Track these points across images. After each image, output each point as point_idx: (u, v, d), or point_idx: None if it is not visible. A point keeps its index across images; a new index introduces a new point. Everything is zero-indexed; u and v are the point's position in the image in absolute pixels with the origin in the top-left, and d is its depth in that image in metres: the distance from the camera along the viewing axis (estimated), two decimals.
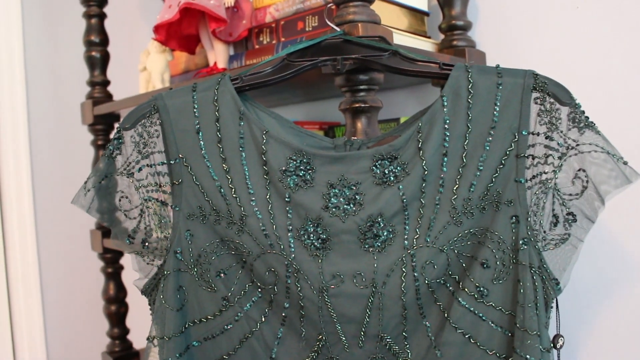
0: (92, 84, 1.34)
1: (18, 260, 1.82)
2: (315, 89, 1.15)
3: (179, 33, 1.12)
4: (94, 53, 1.33)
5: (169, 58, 1.22)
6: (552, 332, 0.67)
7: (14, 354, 1.84)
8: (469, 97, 0.66)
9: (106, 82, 1.35)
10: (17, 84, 1.79)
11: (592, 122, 0.64)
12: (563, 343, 0.68)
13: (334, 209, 0.68)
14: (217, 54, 1.11)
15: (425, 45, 0.97)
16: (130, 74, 1.53)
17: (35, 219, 1.84)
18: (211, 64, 1.13)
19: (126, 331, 1.40)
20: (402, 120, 1.03)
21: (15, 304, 1.82)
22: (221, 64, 1.10)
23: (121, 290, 1.39)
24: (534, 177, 0.66)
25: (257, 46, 1.07)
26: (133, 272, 0.74)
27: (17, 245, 1.82)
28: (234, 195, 0.69)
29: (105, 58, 1.34)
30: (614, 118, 0.88)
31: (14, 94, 1.78)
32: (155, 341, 0.71)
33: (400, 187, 0.67)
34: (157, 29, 1.10)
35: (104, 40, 1.34)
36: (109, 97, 1.35)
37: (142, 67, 1.27)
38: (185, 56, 1.27)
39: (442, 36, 1.00)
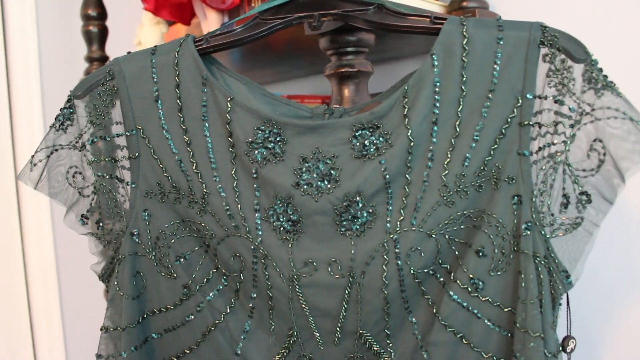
0: (90, 59, 1.28)
1: (34, 251, 1.82)
2: (318, 60, 1.06)
3: (170, 1, 1.04)
4: (91, 28, 1.26)
5: (163, 30, 1.15)
6: (561, 333, 0.57)
7: (33, 344, 1.83)
8: (464, 54, 0.56)
9: (105, 58, 1.29)
10: (31, 64, 1.76)
11: (611, 82, 0.53)
12: (575, 346, 0.58)
13: (305, 186, 0.59)
14: (210, 24, 1.02)
15: (432, 7, 0.87)
16: (130, 49, 1.47)
17: (51, 204, 1.82)
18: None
19: None
20: None
21: (33, 295, 1.82)
22: None
23: None
24: (540, 149, 0.55)
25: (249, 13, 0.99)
26: None
27: (34, 233, 1.81)
28: (196, 171, 0.61)
29: (103, 33, 1.28)
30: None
31: (28, 70, 1.76)
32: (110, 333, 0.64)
33: (382, 161, 0.57)
34: None
35: (102, 14, 1.27)
36: None
37: (137, 41, 1.20)
38: (184, 28, 1.20)
39: None
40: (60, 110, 0.64)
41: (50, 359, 1.83)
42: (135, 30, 1.36)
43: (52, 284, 1.86)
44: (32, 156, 0.64)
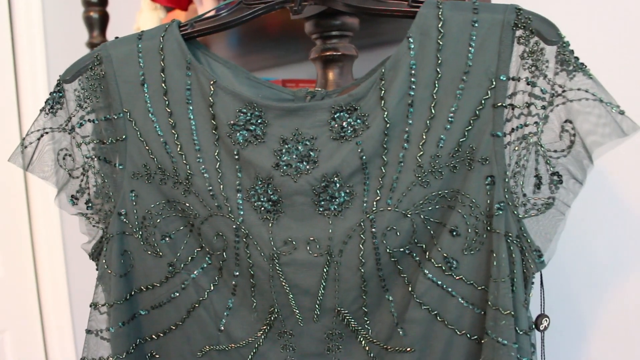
0: (91, 45, 1.30)
1: (44, 245, 1.84)
2: (313, 45, 1.07)
3: None
4: (92, 13, 1.28)
5: (161, 16, 1.17)
6: (535, 312, 0.58)
7: (44, 334, 1.87)
8: (439, 37, 0.57)
9: None
10: (37, 49, 1.78)
11: (582, 64, 0.54)
12: (548, 324, 0.59)
13: (285, 167, 0.60)
14: (206, 9, 1.04)
15: None
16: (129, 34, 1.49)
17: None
18: None
19: None
20: None
21: (43, 286, 1.85)
22: None
23: None
24: (513, 130, 0.56)
25: None
26: None
27: (42, 227, 1.83)
28: (180, 153, 0.63)
29: (104, 18, 1.29)
30: None
31: (34, 58, 1.78)
32: (103, 309, 0.66)
33: (359, 142, 0.58)
34: None
35: (103, 0, 1.29)
36: None
37: (136, 27, 1.22)
38: (182, 15, 1.21)
39: None
40: (49, 94, 0.66)
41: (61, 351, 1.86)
42: (133, 16, 1.37)
43: (61, 278, 1.88)
44: (23, 139, 0.66)
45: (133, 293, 0.65)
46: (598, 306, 0.82)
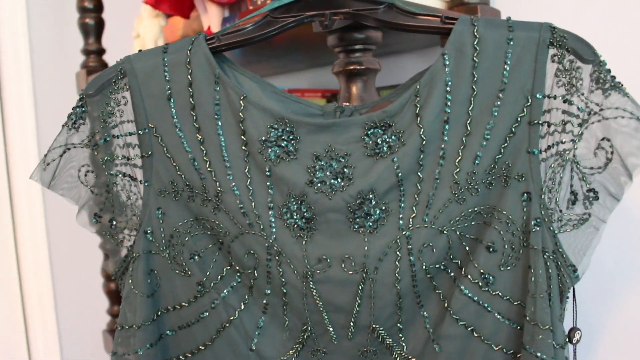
0: (86, 52, 1.27)
1: (27, 238, 1.80)
2: (317, 54, 1.06)
3: None
4: (87, 20, 1.25)
5: (162, 23, 1.15)
6: (567, 325, 0.59)
7: (26, 331, 1.83)
8: (475, 54, 0.57)
9: (101, 51, 1.28)
10: (22, 53, 1.73)
11: (619, 83, 0.55)
12: (580, 337, 0.60)
13: (319, 184, 0.60)
14: (211, 18, 1.02)
15: (434, 2, 0.87)
16: (127, 41, 1.46)
17: (43, 193, 1.81)
18: (205, 28, 1.05)
19: None
20: None
21: (26, 282, 1.81)
22: (215, 28, 1.02)
23: None
24: (549, 147, 0.56)
25: (251, 7, 0.98)
26: None
27: (26, 221, 1.79)
28: (209, 169, 0.62)
29: (99, 25, 1.27)
30: None
31: (19, 62, 1.73)
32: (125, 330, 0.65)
33: (395, 159, 0.58)
34: None
35: (98, 6, 1.26)
36: (104, 66, 1.28)
37: (135, 34, 1.20)
38: (182, 22, 1.19)
39: None
40: (72, 109, 0.64)
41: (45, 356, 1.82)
42: (131, 23, 1.35)
43: (46, 280, 1.84)
44: (45, 155, 0.64)
45: (160, 313, 0.64)
46: (606, 316, 0.83)
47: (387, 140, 0.59)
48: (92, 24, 1.26)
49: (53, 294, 1.87)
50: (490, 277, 0.57)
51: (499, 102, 0.57)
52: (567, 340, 0.58)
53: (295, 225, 0.60)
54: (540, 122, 0.56)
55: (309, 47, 1.00)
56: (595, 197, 0.56)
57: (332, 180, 0.60)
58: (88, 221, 0.65)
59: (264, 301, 0.62)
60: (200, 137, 0.62)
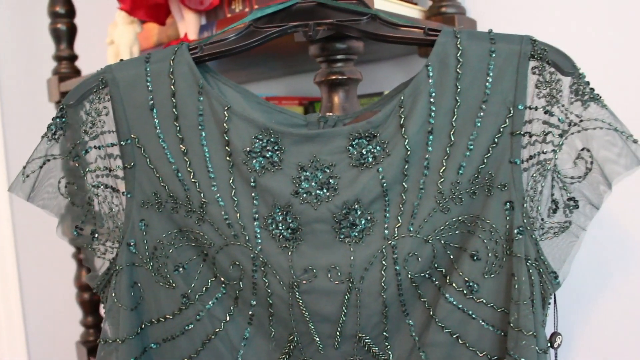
0: (58, 58, 1.25)
1: None
2: (294, 62, 1.06)
3: (146, 1, 1.03)
4: (59, 25, 1.23)
5: (137, 30, 1.13)
6: (548, 330, 0.60)
7: None
8: (458, 66, 0.58)
9: (73, 57, 1.26)
10: None
11: (597, 95, 0.56)
12: (561, 342, 0.61)
13: (305, 195, 0.60)
14: (188, 25, 1.02)
15: (411, 11, 0.89)
16: (100, 47, 1.44)
17: (10, 200, 1.77)
18: (181, 35, 1.04)
19: (101, 319, 1.33)
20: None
21: None
22: (192, 35, 1.01)
23: None
24: (531, 157, 0.58)
25: (229, 15, 0.98)
26: None
27: None
28: (193, 180, 0.61)
29: (72, 31, 1.25)
30: (621, 94, 0.79)
31: None
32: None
33: (380, 169, 0.59)
34: None
35: (70, 12, 1.24)
36: (76, 72, 1.26)
37: (109, 40, 1.18)
38: (157, 28, 1.18)
39: (429, 3, 0.91)
40: (52, 119, 0.63)
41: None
42: (104, 28, 1.33)
43: (14, 290, 1.80)
44: (24, 167, 0.62)
45: (143, 326, 0.63)
46: (582, 319, 0.85)
47: (372, 150, 0.59)
48: (64, 30, 1.24)
49: (21, 304, 1.83)
50: (475, 285, 0.58)
51: (482, 113, 0.58)
52: (549, 345, 0.60)
53: (281, 236, 0.60)
54: (522, 132, 0.57)
55: (285, 54, 1.00)
56: (576, 206, 0.58)
57: (318, 191, 0.60)
58: (69, 233, 0.64)
59: (250, 312, 0.62)
60: (183, 147, 0.62)
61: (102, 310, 1.29)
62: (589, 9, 0.83)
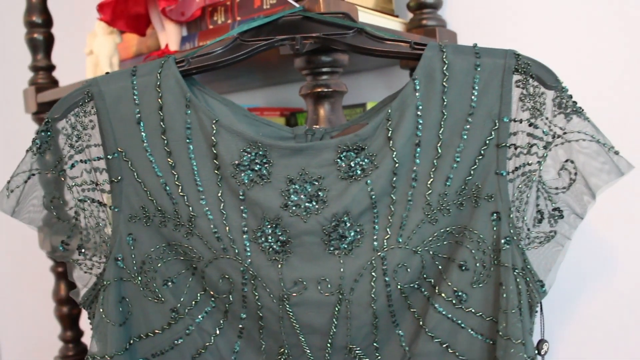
0: (35, 68, 1.23)
1: None
2: (275, 73, 1.07)
3: (127, 12, 1.02)
4: (36, 35, 1.21)
5: (117, 40, 1.12)
6: (535, 337, 0.61)
7: None
8: (444, 80, 0.59)
9: (51, 67, 1.24)
10: None
11: (580, 108, 0.58)
12: (548, 349, 0.62)
13: (294, 207, 0.60)
14: (169, 35, 1.01)
15: (392, 24, 0.90)
16: (77, 58, 1.42)
17: None
18: (162, 46, 1.03)
19: (80, 333, 1.31)
20: (369, 105, 0.96)
21: None
22: (173, 46, 1.01)
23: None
24: (516, 168, 0.59)
25: (211, 26, 0.98)
26: None
27: None
28: (181, 194, 0.61)
29: (49, 40, 1.23)
30: (601, 106, 0.81)
31: None
32: None
33: (369, 181, 0.59)
34: (101, 7, 1.00)
35: (48, 21, 1.22)
36: (54, 83, 1.24)
37: (88, 51, 1.17)
38: (136, 38, 1.17)
39: (410, 15, 0.93)
40: (36, 133, 0.62)
41: None
42: (82, 38, 1.31)
43: None
44: (8, 182, 0.61)
45: (132, 342, 0.62)
46: (566, 326, 0.87)
47: (361, 163, 0.60)
48: (41, 39, 1.22)
49: None
50: (463, 295, 0.59)
51: (468, 126, 0.59)
52: (537, 352, 0.61)
53: (270, 249, 0.60)
54: (507, 144, 0.58)
55: (267, 66, 1.00)
56: (561, 216, 0.59)
57: (307, 204, 0.60)
58: (55, 248, 0.63)
59: (240, 325, 0.62)
60: (171, 161, 0.62)
61: (82, 325, 1.27)
62: (567, 21, 0.85)
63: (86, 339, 1.31)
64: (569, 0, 0.84)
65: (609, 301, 0.84)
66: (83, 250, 0.63)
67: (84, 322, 1.32)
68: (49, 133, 0.62)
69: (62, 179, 0.62)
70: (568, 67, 0.84)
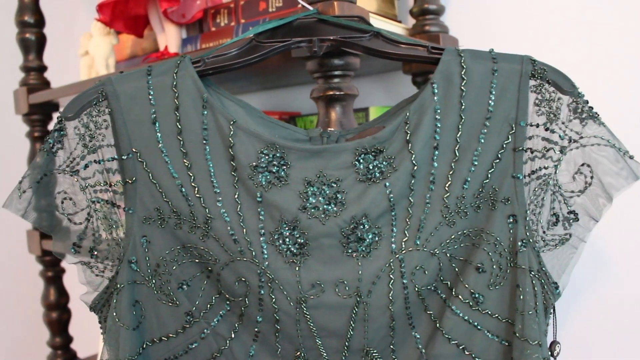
0: (26, 69, 1.21)
1: None
2: (274, 76, 1.06)
3: (126, 13, 1.01)
4: (28, 35, 1.19)
5: (114, 41, 1.11)
6: (547, 339, 0.62)
7: None
8: (462, 84, 0.60)
9: (42, 68, 1.22)
10: None
11: (595, 113, 0.59)
12: (560, 350, 0.63)
13: (312, 210, 0.60)
14: (169, 37, 1.00)
15: (396, 29, 0.90)
16: (70, 58, 1.40)
17: None
18: (161, 48, 1.02)
19: (69, 340, 1.28)
20: (371, 110, 0.96)
21: None
22: (173, 49, 1.00)
23: (63, 296, 1.27)
24: (532, 172, 0.60)
25: (213, 28, 0.98)
26: (76, 275, 0.63)
27: None
28: (197, 195, 0.60)
29: (41, 41, 1.21)
30: (601, 107, 0.83)
31: None
32: None
33: (387, 184, 0.60)
34: (101, 8, 0.99)
35: (40, 21, 1.21)
36: (45, 84, 1.22)
37: (83, 52, 1.15)
38: (131, 40, 1.16)
39: (413, 21, 0.94)
40: (49, 132, 0.60)
41: None
42: (73, 38, 1.30)
43: None
44: (20, 182, 0.60)
45: (145, 346, 0.61)
46: (575, 327, 0.89)
47: (379, 165, 0.60)
48: (33, 40, 1.20)
49: None
50: (480, 297, 0.59)
51: (485, 130, 0.60)
52: (550, 353, 0.62)
53: (288, 251, 0.60)
54: (524, 148, 0.59)
55: (264, 69, 1.00)
56: (576, 219, 0.60)
57: (325, 206, 0.60)
58: (66, 250, 0.62)
59: (255, 329, 0.61)
60: (187, 162, 0.61)
61: (71, 331, 1.24)
62: (568, 28, 0.86)
63: (75, 345, 1.29)
64: (570, 7, 0.86)
65: (609, 301, 0.85)
66: (95, 253, 0.62)
67: (74, 328, 1.29)
68: (61, 132, 0.61)
69: (75, 180, 0.61)
70: (569, 73, 0.85)
